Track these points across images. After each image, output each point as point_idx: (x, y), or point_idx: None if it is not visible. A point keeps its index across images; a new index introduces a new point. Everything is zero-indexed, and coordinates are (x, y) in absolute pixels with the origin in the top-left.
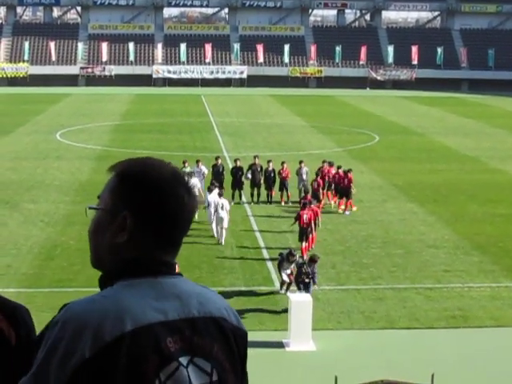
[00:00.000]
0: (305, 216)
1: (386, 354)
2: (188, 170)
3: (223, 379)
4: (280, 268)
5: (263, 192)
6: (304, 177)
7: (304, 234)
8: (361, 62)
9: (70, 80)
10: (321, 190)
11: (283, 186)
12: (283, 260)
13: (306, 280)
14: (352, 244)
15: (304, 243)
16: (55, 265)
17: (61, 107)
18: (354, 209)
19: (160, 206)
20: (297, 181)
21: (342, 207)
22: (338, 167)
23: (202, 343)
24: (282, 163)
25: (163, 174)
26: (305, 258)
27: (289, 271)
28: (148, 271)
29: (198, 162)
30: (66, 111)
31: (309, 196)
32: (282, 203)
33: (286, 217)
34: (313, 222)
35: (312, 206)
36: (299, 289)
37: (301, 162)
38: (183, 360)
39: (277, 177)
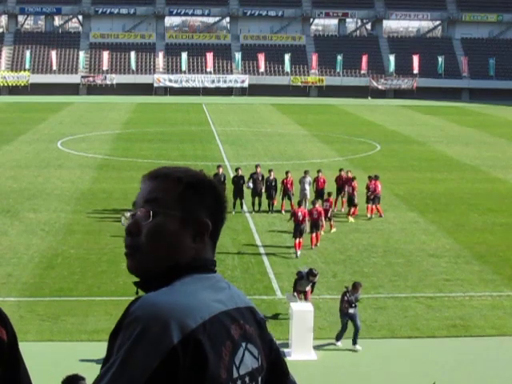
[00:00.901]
0: (299, 213)
1: (388, 363)
2: None
3: (264, 364)
4: (296, 286)
5: (264, 201)
6: (306, 186)
7: (298, 230)
8: (362, 71)
9: (72, 89)
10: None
11: (286, 195)
12: (302, 278)
13: (350, 310)
14: (353, 253)
15: (298, 239)
16: (56, 274)
17: (62, 116)
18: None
19: (222, 210)
20: (299, 190)
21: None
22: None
23: (250, 330)
24: (287, 172)
25: (216, 182)
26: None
27: (308, 287)
28: (206, 269)
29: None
30: (68, 120)
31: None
32: (283, 212)
33: (287, 225)
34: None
35: (317, 206)
36: (343, 324)
37: (306, 172)
38: (243, 346)
39: (279, 185)
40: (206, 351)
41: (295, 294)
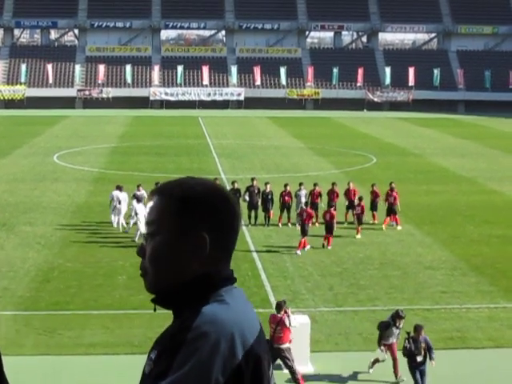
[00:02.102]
0: (304, 214)
1: (385, 376)
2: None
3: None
4: (381, 339)
5: (260, 214)
6: (302, 199)
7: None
8: (358, 84)
9: (68, 102)
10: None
11: (285, 208)
12: (388, 327)
13: (419, 359)
14: (349, 265)
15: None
16: (52, 287)
17: (58, 129)
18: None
19: (226, 219)
20: (295, 203)
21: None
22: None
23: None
24: (286, 185)
25: (220, 191)
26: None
27: (394, 339)
28: (231, 282)
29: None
30: (64, 133)
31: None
32: (280, 225)
33: (284, 239)
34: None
35: (331, 209)
36: (412, 373)
37: (300, 185)
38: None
39: (275, 198)
40: (263, 366)
41: (382, 348)
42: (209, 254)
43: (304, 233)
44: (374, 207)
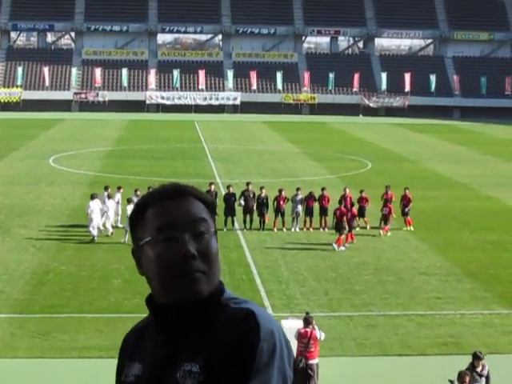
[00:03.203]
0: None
1: (379, 381)
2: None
3: None
4: None
5: (256, 218)
6: (298, 204)
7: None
8: (354, 89)
9: (64, 105)
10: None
11: (279, 213)
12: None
13: None
14: (344, 271)
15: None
16: (47, 290)
17: (54, 132)
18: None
19: None
20: (291, 207)
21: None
22: (361, 191)
23: None
24: (280, 190)
25: None
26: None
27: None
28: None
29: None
30: (59, 137)
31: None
32: (275, 229)
33: (279, 243)
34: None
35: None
36: None
37: (298, 190)
38: None
39: (270, 203)
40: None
41: None
42: None
43: (340, 230)
44: (361, 213)
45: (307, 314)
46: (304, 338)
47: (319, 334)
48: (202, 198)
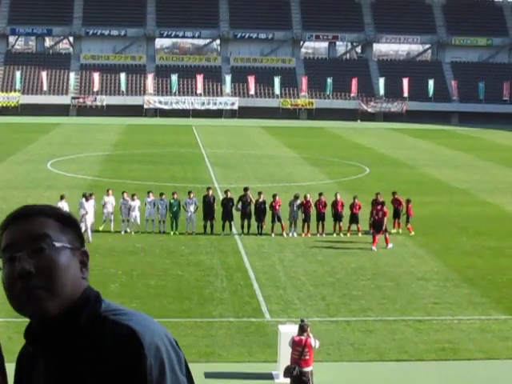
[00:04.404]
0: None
1: None
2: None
3: None
4: None
5: (253, 223)
6: (295, 209)
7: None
8: (352, 94)
9: (62, 110)
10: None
11: (275, 218)
12: None
13: None
14: (342, 276)
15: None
16: None
17: (52, 137)
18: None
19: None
20: (288, 212)
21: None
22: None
23: None
24: (274, 196)
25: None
26: None
27: None
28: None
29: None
30: (57, 141)
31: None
32: (273, 235)
33: (277, 248)
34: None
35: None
36: None
37: (296, 195)
38: None
39: (268, 208)
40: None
41: None
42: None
43: (379, 230)
44: (354, 219)
45: (302, 321)
46: (299, 346)
47: (314, 342)
48: (56, 214)
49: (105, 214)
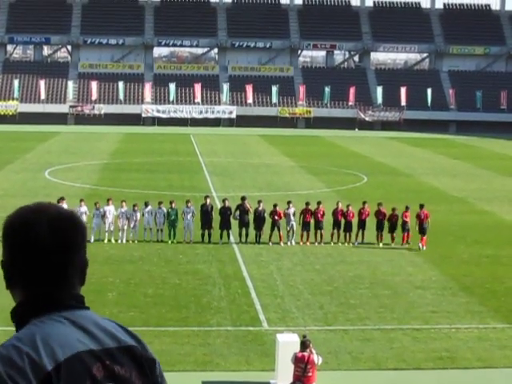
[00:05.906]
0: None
1: None
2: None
3: None
4: None
5: (251, 232)
6: (291, 217)
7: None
8: (349, 103)
9: (60, 118)
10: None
11: (275, 227)
12: None
13: None
14: (339, 284)
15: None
16: None
17: (50, 145)
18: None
19: (23, 248)
20: (285, 221)
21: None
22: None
23: (121, 372)
24: (275, 206)
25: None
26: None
27: None
28: (59, 306)
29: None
30: (55, 149)
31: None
32: (270, 243)
33: (274, 257)
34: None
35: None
36: None
37: (289, 203)
38: None
39: (266, 217)
40: None
41: None
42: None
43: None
44: (348, 228)
45: (304, 337)
46: (301, 363)
47: (317, 359)
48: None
49: (107, 225)
